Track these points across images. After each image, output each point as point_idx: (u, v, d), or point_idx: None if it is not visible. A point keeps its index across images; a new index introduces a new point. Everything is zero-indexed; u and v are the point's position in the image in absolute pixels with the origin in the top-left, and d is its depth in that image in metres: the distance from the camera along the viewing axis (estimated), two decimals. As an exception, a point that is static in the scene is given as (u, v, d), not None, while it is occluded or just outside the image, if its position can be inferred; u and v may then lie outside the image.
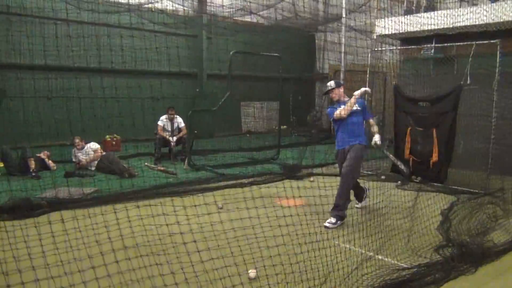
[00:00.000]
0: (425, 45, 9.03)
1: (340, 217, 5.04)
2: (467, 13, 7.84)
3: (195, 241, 3.60)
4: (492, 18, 7.62)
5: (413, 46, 9.28)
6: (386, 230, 4.61)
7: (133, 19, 10.57)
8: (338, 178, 5.36)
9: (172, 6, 10.76)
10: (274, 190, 5.19)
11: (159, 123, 9.16)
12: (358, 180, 5.63)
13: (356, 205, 5.75)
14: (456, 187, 6.83)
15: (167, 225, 3.77)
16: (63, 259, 3.22)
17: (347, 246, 4.23)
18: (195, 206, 4.06)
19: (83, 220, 3.90)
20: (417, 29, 8.52)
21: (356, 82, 9.94)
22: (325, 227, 4.90)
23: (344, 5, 8.91)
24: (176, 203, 3.99)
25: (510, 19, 7.51)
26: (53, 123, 6.37)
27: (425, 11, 8.95)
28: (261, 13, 11.75)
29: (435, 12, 8.69)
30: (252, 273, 3.53)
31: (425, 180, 7.03)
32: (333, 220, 5.00)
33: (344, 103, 5.25)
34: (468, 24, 7.84)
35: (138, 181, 6.93)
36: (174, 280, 3.11)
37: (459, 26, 7.88)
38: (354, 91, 5.36)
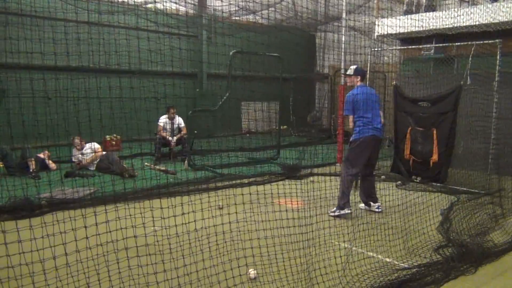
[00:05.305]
0: (425, 45, 9.04)
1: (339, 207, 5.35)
2: (467, 13, 7.85)
3: (190, 239, 3.60)
4: (492, 18, 7.62)
5: (413, 46, 9.29)
6: (386, 230, 4.61)
7: (133, 19, 10.54)
8: (337, 178, 5.38)
9: (172, 6, 10.76)
10: (274, 190, 5.18)
11: (159, 123, 9.15)
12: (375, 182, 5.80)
13: (360, 205, 5.77)
14: (456, 187, 6.83)
15: (168, 226, 3.76)
16: (60, 259, 3.22)
17: (347, 246, 4.23)
18: (194, 205, 4.05)
19: (82, 221, 3.89)
20: (417, 29, 8.53)
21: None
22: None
23: (344, 5, 8.91)
24: (176, 203, 3.98)
25: (510, 19, 7.51)
26: (53, 123, 6.36)
27: (425, 11, 8.95)
28: (261, 13, 11.75)
29: (435, 12, 8.69)
30: (251, 273, 3.53)
31: (425, 180, 7.04)
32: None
33: (360, 87, 5.45)
34: (468, 24, 7.85)
35: (138, 181, 6.92)
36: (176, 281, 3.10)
37: (459, 26, 7.89)
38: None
